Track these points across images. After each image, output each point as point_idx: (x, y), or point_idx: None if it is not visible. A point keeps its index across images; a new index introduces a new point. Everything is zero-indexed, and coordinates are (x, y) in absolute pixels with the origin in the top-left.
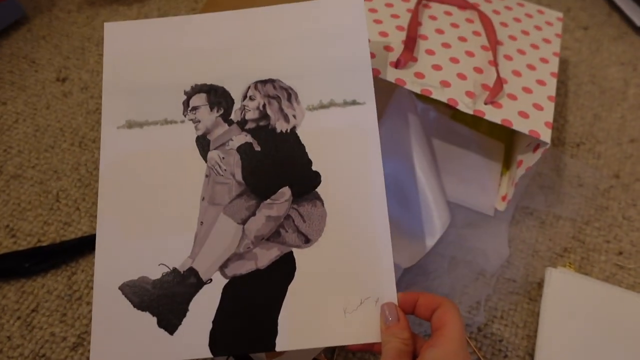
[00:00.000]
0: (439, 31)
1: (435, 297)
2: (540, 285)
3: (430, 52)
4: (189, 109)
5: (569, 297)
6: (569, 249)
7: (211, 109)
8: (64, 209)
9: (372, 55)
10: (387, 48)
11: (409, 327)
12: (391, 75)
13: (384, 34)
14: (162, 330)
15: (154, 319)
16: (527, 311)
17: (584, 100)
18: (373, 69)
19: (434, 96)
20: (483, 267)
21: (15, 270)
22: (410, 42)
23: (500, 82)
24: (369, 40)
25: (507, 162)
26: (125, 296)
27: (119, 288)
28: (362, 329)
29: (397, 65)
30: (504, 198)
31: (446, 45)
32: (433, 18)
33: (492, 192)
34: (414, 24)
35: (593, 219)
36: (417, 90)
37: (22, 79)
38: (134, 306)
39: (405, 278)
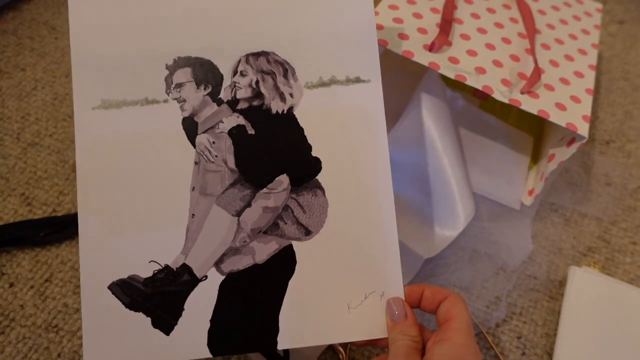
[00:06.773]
0: (475, 16)
1: (441, 290)
2: (561, 283)
3: (465, 37)
4: (173, 86)
5: (592, 297)
6: (593, 249)
7: (197, 86)
8: None
9: (406, 37)
10: (421, 30)
11: (417, 323)
12: (425, 58)
13: (418, 16)
14: (157, 331)
15: (148, 319)
16: (547, 309)
17: (615, 97)
18: (405, 52)
19: (468, 82)
20: (505, 262)
21: (30, 239)
22: (446, 25)
23: (538, 71)
24: (402, 21)
25: (536, 156)
26: (116, 296)
27: (108, 288)
28: (367, 325)
29: (431, 48)
30: (530, 192)
31: (482, 30)
32: (469, 2)
33: (519, 186)
34: (450, 6)
35: (620, 219)
36: (451, 76)
37: (42, 45)
38: (126, 306)
39: (425, 269)
